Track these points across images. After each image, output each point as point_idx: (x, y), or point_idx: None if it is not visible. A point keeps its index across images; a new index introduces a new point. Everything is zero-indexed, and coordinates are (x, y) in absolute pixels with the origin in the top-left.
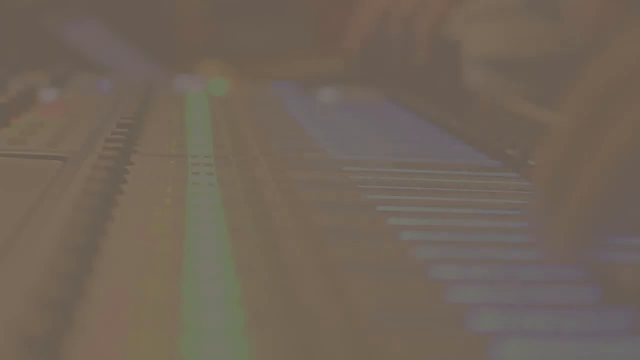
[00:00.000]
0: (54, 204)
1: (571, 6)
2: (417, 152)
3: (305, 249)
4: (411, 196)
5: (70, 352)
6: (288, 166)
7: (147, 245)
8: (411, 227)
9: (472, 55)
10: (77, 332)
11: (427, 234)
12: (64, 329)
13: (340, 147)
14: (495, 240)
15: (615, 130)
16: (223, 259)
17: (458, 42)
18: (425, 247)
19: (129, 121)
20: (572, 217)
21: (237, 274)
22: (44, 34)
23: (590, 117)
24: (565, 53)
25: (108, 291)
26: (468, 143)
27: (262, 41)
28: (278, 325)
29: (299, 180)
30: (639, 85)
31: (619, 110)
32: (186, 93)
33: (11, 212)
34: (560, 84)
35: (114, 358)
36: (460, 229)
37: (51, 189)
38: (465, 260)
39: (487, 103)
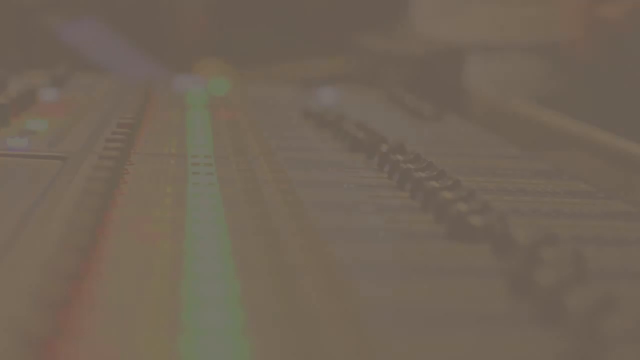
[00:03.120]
0: (54, 204)
1: None
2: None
3: (305, 249)
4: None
5: (70, 352)
6: (288, 166)
7: (147, 245)
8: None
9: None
10: (77, 332)
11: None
12: (64, 329)
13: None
14: None
15: None
16: (223, 259)
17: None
18: None
19: (129, 121)
20: None
21: (237, 274)
22: (44, 34)
23: None
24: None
25: (108, 291)
26: None
27: (262, 41)
28: (278, 325)
29: (299, 180)
30: None
31: None
32: (186, 93)
33: (11, 212)
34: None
35: (114, 358)
36: None
37: (51, 189)
38: None
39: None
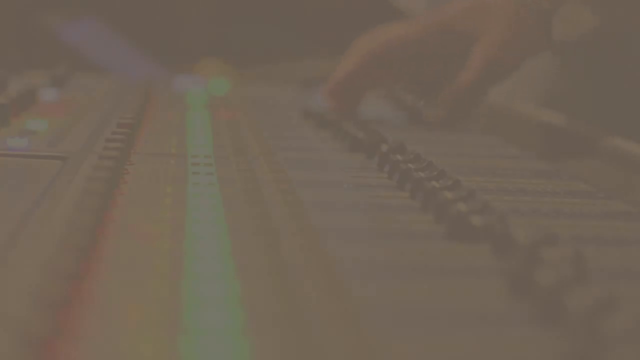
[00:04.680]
0: (54, 204)
1: None
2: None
3: (305, 249)
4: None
5: (70, 352)
6: (288, 166)
7: (147, 245)
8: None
9: None
10: (77, 332)
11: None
12: (64, 329)
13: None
14: None
15: None
16: (223, 259)
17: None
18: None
19: (129, 121)
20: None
21: (237, 274)
22: (44, 34)
23: None
24: None
25: (108, 291)
26: None
27: (262, 41)
28: (278, 325)
29: (299, 180)
30: None
31: None
32: (186, 93)
33: (11, 212)
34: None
35: (113, 358)
36: None
37: (51, 189)
38: None
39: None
